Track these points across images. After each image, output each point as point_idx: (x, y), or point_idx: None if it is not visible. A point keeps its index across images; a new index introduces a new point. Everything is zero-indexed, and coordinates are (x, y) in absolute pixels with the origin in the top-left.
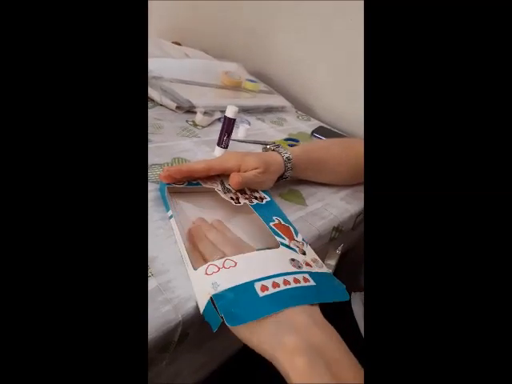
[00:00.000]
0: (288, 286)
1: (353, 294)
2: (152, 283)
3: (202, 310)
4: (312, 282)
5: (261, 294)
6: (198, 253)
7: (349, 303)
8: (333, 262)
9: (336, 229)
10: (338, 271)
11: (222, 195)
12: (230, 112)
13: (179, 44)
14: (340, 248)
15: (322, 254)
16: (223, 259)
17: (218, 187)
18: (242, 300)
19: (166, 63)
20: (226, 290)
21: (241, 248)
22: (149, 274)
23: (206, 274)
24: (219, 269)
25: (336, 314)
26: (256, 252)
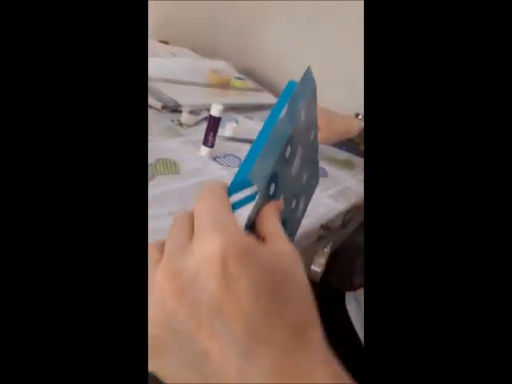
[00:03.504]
0: None
1: (347, 293)
2: None
3: None
4: None
5: None
6: None
7: (343, 303)
8: (322, 261)
9: (324, 227)
10: (328, 271)
11: None
12: (215, 110)
13: (166, 43)
14: (329, 246)
15: (311, 253)
16: None
17: None
18: None
19: (152, 62)
20: None
21: None
22: None
23: None
24: None
25: (330, 314)
26: None
